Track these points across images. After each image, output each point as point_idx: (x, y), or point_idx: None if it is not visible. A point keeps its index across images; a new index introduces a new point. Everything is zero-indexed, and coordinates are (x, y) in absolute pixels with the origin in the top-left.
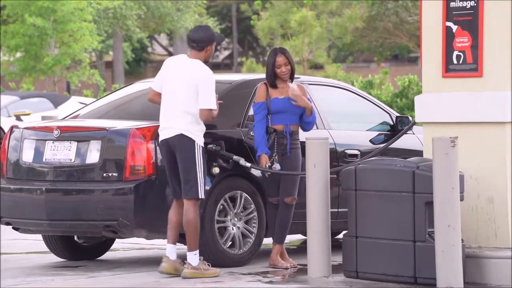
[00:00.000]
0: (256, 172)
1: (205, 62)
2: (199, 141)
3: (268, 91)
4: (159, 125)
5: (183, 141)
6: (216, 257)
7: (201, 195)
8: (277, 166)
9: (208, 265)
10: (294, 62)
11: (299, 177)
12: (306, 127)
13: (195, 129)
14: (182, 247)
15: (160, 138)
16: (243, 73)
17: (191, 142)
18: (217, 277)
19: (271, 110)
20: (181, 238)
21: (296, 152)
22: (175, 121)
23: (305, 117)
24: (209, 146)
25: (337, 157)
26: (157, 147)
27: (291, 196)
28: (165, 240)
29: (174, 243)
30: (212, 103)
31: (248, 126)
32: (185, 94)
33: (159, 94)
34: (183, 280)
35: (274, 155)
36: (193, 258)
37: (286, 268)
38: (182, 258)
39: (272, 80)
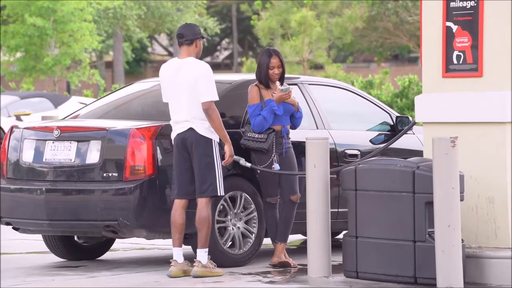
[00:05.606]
0: (256, 172)
1: (197, 58)
2: (215, 137)
3: (261, 93)
4: (159, 125)
5: (201, 142)
6: (216, 257)
7: (221, 192)
8: (276, 166)
9: (214, 265)
10: (294, 62)
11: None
12: (296, 123)
13: (209, 125)
14: (186, 248)
15: (174, 134)
16: (243, 73)
17: (209, 141)
18: (217, 277)
19: None
20: (184, 239)
21: (291, 151)
22: (189, 123)
23: (295, 113)
24: None
25: (337, 157)
26: (157, 147)
27: (297, 193)
28: (165, 241)
29: (181, 246)
30: (213, 95)
31: (245, 128)
32: (190, 94)
33: None
34: (183, 280)
35: (273, 155)
36: (204, 255)
37: (294, 266)
38: (187, 258)
39: (266, 80)
